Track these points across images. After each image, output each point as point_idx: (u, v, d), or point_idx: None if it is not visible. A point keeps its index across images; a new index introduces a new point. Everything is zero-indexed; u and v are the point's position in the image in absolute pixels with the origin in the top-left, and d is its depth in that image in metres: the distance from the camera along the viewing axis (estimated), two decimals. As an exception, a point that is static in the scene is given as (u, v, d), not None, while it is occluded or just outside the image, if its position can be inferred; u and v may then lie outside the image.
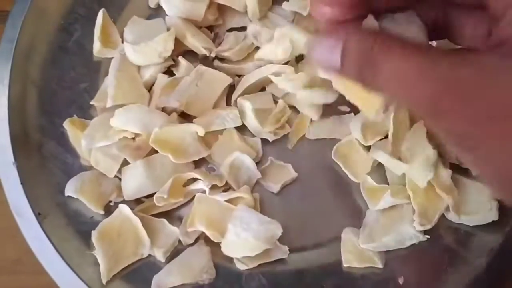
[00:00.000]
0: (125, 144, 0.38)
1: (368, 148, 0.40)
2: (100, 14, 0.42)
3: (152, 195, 0.38)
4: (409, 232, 0.37)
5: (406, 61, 0.21)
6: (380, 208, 0.38)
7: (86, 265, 0.36)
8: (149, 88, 0.42)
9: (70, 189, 0.38)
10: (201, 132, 0.38)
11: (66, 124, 0.40)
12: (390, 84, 0.22)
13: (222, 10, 0.44)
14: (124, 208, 0.37)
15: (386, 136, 0.39)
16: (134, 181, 0.38)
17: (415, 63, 0.21)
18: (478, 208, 0.37)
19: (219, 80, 0.41)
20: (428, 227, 0.37)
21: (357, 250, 0.37)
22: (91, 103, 0.41)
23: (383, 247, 0.37)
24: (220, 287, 0.37)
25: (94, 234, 0.36)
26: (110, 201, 0.39)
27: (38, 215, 0.37)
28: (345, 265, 0.37)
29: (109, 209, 0.38)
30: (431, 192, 0.37)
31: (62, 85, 0.42)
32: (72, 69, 0.42)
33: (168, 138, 0.38)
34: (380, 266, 0.37)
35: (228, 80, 0.41)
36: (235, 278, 0.37)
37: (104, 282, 0.35)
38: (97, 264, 0.36)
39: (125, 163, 0.39)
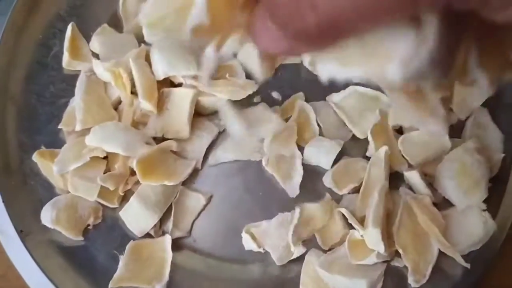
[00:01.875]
0: (108, 175, 0.37)
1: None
2: (69, 28, 0.42)
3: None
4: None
5: None
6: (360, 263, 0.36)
7: (69, 281, 0.37)
8: (116, 107, 0.41)
9: (46, 218, 0.37)
10: (176, 147, 0.38)
11: (35, 157, 0.39)
12: None
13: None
14: (167, 241, 0.37)
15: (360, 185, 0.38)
16: (137, 218, 0.38)
17: None
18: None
19: (184, 95, 0.40)
20: (423, 281, 0.35)
21: (316, 275, 0.36)
22: (59, 127, 0.40)
23: (333, 283, 0.35)
24: None
25: (130, 244, 0.37)
26: (89, 225, 0.38)
27: (20, 232, 0.38)
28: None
29: (87, 233, 0.38)
30: (419, 244, 0.36)
31: (42, 101, 0.42)
32: (51, 84, 0.42)
33: (153, 164, 0.37)
34: None
35: (189, 93, 0.40)
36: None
37: (110, 286, 0.36)
38: (79, 281, 0.37)
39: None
